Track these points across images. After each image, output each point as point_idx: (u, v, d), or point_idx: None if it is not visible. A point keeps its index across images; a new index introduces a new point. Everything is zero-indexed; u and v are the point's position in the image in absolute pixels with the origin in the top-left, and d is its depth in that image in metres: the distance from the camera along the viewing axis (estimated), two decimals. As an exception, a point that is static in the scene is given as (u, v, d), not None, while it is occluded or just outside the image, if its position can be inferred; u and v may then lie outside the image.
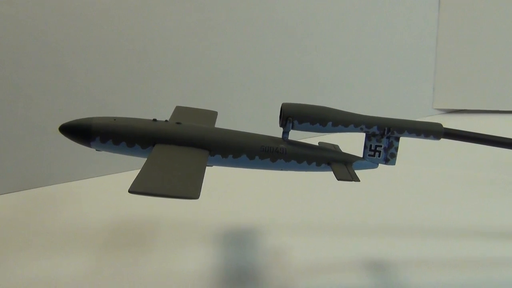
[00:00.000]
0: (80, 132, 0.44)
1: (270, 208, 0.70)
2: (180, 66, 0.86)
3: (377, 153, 0.48)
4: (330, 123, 0.46)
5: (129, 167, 0.79)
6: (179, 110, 0.57)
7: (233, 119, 0.90)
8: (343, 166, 0.46)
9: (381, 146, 0.48)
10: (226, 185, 0.77)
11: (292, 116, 0.45)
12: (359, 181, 0.44)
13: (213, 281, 0.53)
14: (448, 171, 0.84)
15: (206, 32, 0.87)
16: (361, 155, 0.49)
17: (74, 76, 0.78)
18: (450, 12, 1.13)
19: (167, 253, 0.58)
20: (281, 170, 0.47)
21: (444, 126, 0.49)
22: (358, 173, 0.48)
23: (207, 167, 0.43)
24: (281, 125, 0.46)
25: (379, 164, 0.49)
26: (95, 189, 0.80)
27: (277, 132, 0.48)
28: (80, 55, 0.78)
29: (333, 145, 0.52)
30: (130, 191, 0.33)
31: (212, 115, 0.57)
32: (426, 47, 1.14)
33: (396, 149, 0.48)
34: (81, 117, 0.45)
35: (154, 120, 0.45)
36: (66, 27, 0.75)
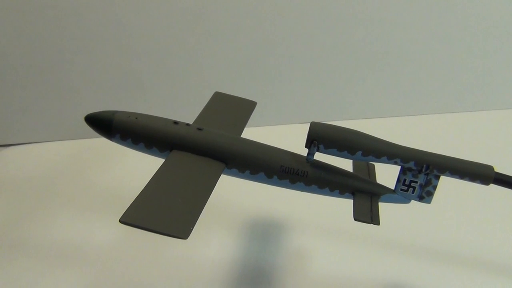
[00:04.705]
0: (102, 126, 0.44)
1: (303, 205, 0.67)
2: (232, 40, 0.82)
3: (411, 189, 0.42)
4: (360, 152, 0.41)
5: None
6: (216, 98, 0.55)
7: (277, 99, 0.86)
8: (367, 200, 0.42)
9: (417, 182, 0.42)
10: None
11: (317, 139, 0.41)
12: (379, 224, 0.39)
13: (229, 274, 0.53)
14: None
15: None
16: (392, 183, 0.44)
17: (133, 31, 0.78)
18: None
19: (191, 238, 0.59)
20: (301, 191, 0.44)
21: None
22: (387, 206, 0.44)
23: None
24: (306, 146, 0.42)
25: (412, 200, 0.44)
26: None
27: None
28: (138, 15, 0.77)
29: (367, 164, 0.47)
30: (120, 221, 0.32)
31: (250, 106, 0.54)
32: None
33: (435, 187, 0.42)
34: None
35: (175, 122, 0.44)
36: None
